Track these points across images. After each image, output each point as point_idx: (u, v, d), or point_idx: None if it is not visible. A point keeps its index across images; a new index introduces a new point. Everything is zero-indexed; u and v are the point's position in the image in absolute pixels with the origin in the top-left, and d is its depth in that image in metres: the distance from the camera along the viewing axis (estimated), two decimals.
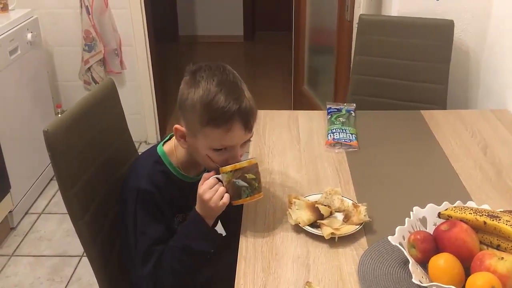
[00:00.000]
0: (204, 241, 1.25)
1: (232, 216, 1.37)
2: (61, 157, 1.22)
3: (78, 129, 1.29)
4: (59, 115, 1.32)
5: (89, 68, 3.10)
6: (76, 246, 2.42)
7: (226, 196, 1.20)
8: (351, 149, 1.64)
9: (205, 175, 1.24)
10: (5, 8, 2.67)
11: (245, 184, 1.19)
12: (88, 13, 2.95)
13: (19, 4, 2.78)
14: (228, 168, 1.20)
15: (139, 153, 1.48)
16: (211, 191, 1.20)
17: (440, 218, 1.17)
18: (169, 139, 1.35)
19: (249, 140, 1.27)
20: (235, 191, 1.21)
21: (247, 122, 1.20)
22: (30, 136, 2.65)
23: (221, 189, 1.21)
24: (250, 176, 1.20)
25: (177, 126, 1.25)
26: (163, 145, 1.34)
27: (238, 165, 1.19)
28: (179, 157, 1.31)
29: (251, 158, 1.25)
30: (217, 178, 1.22)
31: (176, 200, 1.31)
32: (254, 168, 1.21)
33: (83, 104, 1.33)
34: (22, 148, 2.61)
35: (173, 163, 1.31)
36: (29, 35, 2.67)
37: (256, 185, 1.21)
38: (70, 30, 3.11)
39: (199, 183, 1.23)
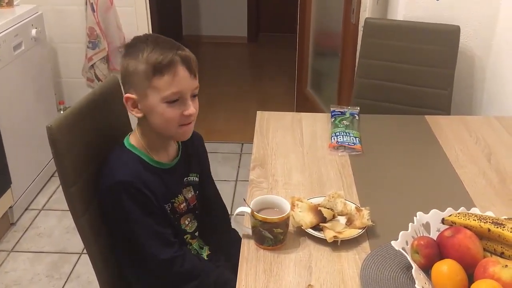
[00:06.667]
0: None
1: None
2: (64, 154, 1.22)
3: (82, 125, 1.29)
4: (62, 112, 1.31)
5: (92, 66, 3.09)
6: (75, 243, 2.42)
7: None
8: (354, 153, 1.63)
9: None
10: (10, 3, 2.67)
11: (270, 236, 1.18)
12: (93, 10, 2.95)
13: None
14: (259, 217, 1.18)
15: None
16: None
17: (444, 224, 1.16)
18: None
19: (196, 91, 1.28)
20: (258, 237, 1.21)
21: (189, 66, 1.25)
22: (32, 132, 2.65)
23: None
24: (277, 230, 1.18)
25: (127, 95, 1.27)
26: (128, 139, 1.33)
27: (269, 219, 1.17)
28: (145, 143, 1.31)
29: (284, 214, 1.19)
30: (243, 211, 1.24)
31: (158, 188, 1.29)
32: (284, 223, 1.19)
33: (87, 101, 1.33)
34: (24, 144, 2.61)
35: (143, 150, 1.31)
36: (33, 31, 2.67)
37: (281, 237, 1.20)
38: (75, 27, 3.11)
39: None
